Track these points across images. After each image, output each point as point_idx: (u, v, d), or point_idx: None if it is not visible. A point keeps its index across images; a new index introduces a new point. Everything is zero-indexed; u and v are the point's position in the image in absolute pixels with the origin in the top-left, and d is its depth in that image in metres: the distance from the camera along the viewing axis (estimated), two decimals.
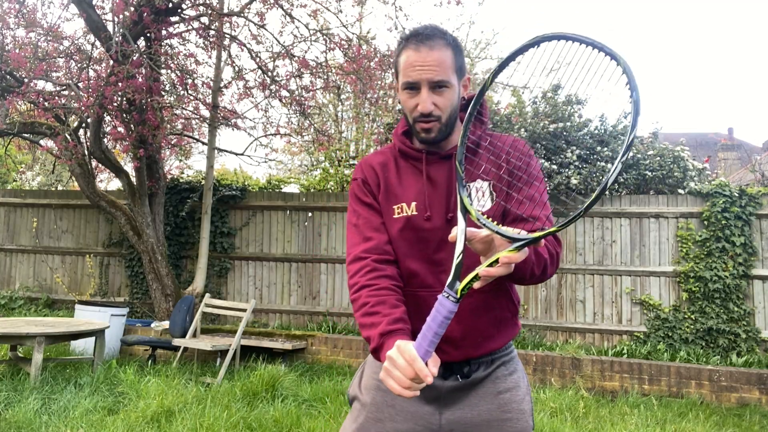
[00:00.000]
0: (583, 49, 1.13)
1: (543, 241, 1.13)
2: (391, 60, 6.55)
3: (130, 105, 6.75)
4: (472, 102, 1.32)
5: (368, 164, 1.56)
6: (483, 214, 1.39)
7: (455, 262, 1.18)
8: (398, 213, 1.48)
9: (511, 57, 1.24)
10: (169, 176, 8.67)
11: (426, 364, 1.13)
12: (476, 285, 1.15)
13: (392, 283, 1.39)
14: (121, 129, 7.09)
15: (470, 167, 1.43)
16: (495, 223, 1.16)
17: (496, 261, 1.11)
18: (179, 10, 6.85)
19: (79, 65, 7.19)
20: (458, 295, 1.15)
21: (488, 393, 1.47)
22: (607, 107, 7.04)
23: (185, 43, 7.40)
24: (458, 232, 1.20)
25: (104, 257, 8.40)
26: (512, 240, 1.11)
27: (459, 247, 1.19)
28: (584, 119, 7.33)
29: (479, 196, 1.44)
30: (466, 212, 1.22)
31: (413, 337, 1.22)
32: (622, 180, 6.93)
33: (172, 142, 8.56)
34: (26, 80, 6.77)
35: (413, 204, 1.47)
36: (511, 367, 1.52)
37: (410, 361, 1.13)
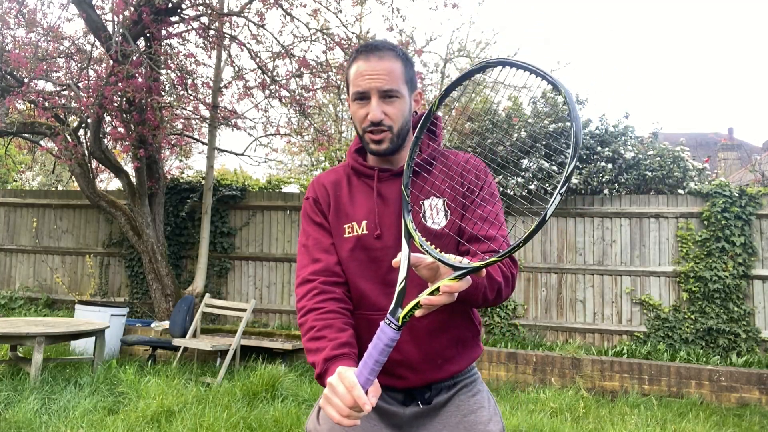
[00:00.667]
0: (527, 76, 1.11)
1: (483, 270, 1.10)
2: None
3: (130, 105, 6.75)
4: (419, 126, 1.29)
5: (320, 183, 1.52)
6: (439, 231, 1.38)
7: (398, 288, 1.15)
8: (349, 232, 1.43)
9: (457, 82, 1.24)
10: (169, 176, 8.67)
11: (366, 392, 1.10)
12: (418, 313, 1.11)
13: (340, 306, 1.36)
14: (121, 129, 7.08)
15: (424, 184, 1.40)
16: (437, 249, 1.13)
17: (438, 289, 1.09)
18: (179, 10, 6.85)
19: (79, 65, 7.19)
20: (399, 323, 1.12)
21: (452, 418, 1.41)
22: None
23: (185, 43, 7.40)
24: (402, 258, 1.17)
25: (104, 257, 8.40)
26: (454, 268, 1.09)
27: (402, 274, 1.16)
28: (584, 119, 7.32)
29: (433, 214, 1.41)
30: (410, 237, 1.19)
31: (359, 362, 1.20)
32: (622, 180, 6.94)
33: (172, 142, 8.56)
34: (26, 80, 6.77)
35: (364, 223, 1.42)
36: (474, 389, 1.48)
37: (350, 388, 1.09)
